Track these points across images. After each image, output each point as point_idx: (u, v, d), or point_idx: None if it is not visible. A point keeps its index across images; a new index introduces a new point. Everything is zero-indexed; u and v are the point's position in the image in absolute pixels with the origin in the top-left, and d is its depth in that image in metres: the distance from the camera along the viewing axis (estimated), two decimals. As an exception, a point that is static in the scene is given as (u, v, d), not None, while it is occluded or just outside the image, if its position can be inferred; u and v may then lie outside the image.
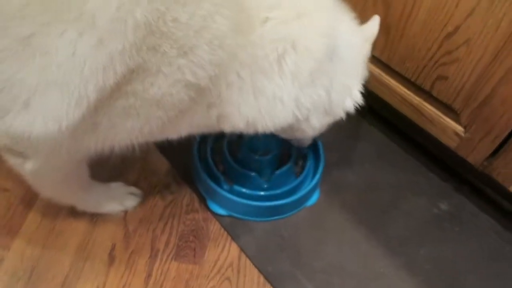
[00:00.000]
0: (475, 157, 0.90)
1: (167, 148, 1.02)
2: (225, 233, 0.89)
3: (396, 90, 1.00)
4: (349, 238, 0.90)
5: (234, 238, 0.88)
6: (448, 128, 0.92)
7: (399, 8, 0.89)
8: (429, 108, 0.95)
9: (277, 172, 0.92)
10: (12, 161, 0.65)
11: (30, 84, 0.48)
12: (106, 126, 0.56)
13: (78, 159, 0.68)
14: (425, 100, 0.95)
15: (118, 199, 0.89)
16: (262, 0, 0.59)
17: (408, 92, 0.98)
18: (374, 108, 1.19)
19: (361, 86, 0.77)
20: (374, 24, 0.79)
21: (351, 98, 0.75)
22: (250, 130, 0.69)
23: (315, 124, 0.75)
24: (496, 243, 0.92)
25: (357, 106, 0.78)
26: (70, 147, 0.58)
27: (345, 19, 0.72)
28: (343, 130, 1.11)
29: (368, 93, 1.08)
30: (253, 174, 0.91)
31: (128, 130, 0.57)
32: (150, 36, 0.48)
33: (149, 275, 0.81)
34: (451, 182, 1.04)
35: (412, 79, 0.94)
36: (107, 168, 0.97)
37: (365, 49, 0.76)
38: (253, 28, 0.57)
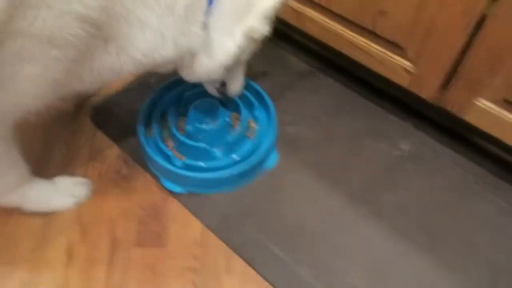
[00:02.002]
0: (427, 91, 0.88)
1: (115, 131, 0.98)
2: (186, 210, 0.86)
3: (343, 34, 0.95)
4: (311, 196, 0.88)
5: (195, 213, 0.85)
6: (398, 66, 0.89)
7: None
8: (376, 48, 0.91)
9: (229, 139, 0.88)
10: None
11: None
12: (4, 76, 0.52)
13: (1, 133, 0.64)
14: (371, 40, 0.91)
15: (67, 192, 0.84)
16: None
17: (354, 35, 0.93)
18: (326, 57, 1.15)
19: (246, 34, 0.72)
20: None
21: (233, 42, 0.72)
22: (146, 64, 0.67)
23: (202, 63, 0.73)
24: (459, 175, 0.92)
25: (238, 50, 0.74)
26: None
27: None
28: (296, 84, 1.09)
29: (316, 42, 1.05)
30: (203, 145, 0.87)
31: (29, 78, 0.54)
32: None
33: (112, 266, 0.78)
34: (411, 120, 1.02)
35: (355, 20, 0.90)
36: (51, 164, 0.92)
37: (263, 3, 0.71)
38: None
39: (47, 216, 0.84)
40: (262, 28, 0.72)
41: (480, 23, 0.72)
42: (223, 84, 0.88)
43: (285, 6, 0.97)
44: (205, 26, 0.68)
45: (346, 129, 1.00)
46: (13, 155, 0.71)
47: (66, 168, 0.92)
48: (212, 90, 0.91)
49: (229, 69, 0.77)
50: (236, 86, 0.89)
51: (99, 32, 0.57)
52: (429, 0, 0.75)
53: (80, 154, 0.95)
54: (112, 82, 0.73)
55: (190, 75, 0.78)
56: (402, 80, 0.90)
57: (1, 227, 0.82)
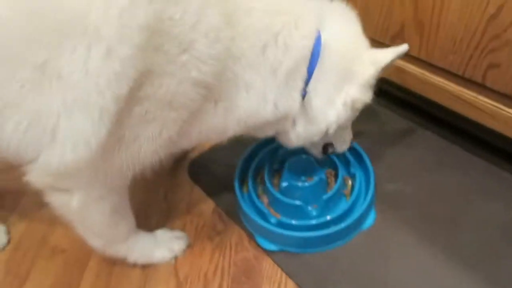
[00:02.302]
0: (551, 148, 0.78)
1: (211, 186, 1.01)
2: (279, 270, 0.84)
3: (444, 87, 0.91)
4: (414, 260, 0.80)
5: (289, 274, 0.82)
6: (513, 120, 0.81)
7: (429, 0, 0.81)
8: (485, 101, 0.84)
9: (324, 197, 0.85)
10: (59, 201, 0.67)
11: (53, 111, 0.51)
12: (130, 138, 0.58)
13: (118, 185, 0.69)
14: (479, 93, 0.85)
15: (166, 245, 0.87)
16: None
17: (458, 88, 0.88)
18: (425, 110, 1.09)
19: (346, 104, 0.72)
20: (392, 51, 0.73)
21: (334, 110, 0.71)
22: (249, 126, 0.69)
23: (299, 129, 0.73)
24: None
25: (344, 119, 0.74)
26: (105, 169, 0.61)
27: (342, 20, 0.71)
28: (394, 140, 1.04)
29: (414, 95, 1.00)
30: (298, 203, 0.85)
31: (150, 138, 0.59)
32: (153, 36, 0.50)
33: (205, 325, 0.78)
34: (529, 179, 0.90)
35: (460, 73, 0.85)
36: (152, 217, 0.97)
37: (365, 72, 0.71)
38: (240, 18, 0.59)
39: (146, 267, 0.87)
40: (364, 97, 0.72)
41: None
42: (325, 146, 0.87)
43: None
44: (304, 93, 0.69)
45: (451, 186, 0.92)
46: (127, 207, 0.77)
47: (165, 221, 0.95)
48: (315, 152, 0.90)
49: (331, 134, 0.76)
50: (343, 146, 0.88)
51: (210, 94, 0.60)
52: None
53: (178, 209, 0.98)
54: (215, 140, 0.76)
55: (288, 140, 0.78)
56: (520, 135, 0.82)
57: (107, 277, 0.87)
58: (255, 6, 0.60)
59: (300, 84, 0.67)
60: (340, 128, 0.76)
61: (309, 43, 0.65)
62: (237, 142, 1.10)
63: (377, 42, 0.96)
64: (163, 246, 0.87)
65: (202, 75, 0.56)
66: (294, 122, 0.73)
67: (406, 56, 0.94)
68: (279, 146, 0.97)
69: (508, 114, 0.81)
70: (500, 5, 0.71)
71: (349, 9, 0.72)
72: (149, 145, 0.60)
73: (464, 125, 1.02)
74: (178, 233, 0.90)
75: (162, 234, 0.89)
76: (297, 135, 0.75)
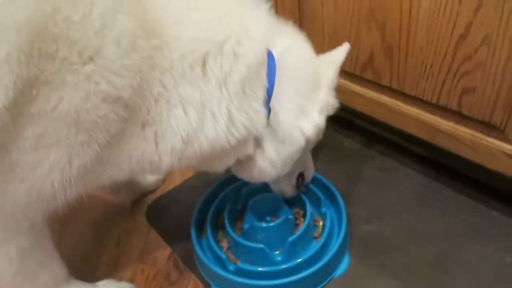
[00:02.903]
0: (540, 179, 0.69)
1: (169, 231, 0.91)
2: (238, 326, 0.71)
3: (420, 118, 0.84)
4: (396, 313, 0.68)
5: (249, 332, 0.70)
6: (495, 151, 0.73)
7: (395, 24, 0.77)
8: (464, 131, 0.77)
9: (290, 239, 0.75)
10: None
11: None
12: (27, 165, 0.48)
13: (26, 226, 0.58)
14: (457, 123, 0.78)
15: (108, 300, 0.75)
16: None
17: (435, 118, 0.81)
18: (405, 147, 1.02)
19: (322, 111, 0.67)
20: (341, 50, 0.72)
21: (309, 121, 0.65)
22: (191, 155, 0.58)
23: (270, 153, 0.65)
24: None
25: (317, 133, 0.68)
26: (6, 204, 0.51)
27: (292, 37, 0.67)
28: (372, 179, 0.96)
29: (392, 131, 0.93)
30: (261, 246, 0.74)
31: (56, 167, 0.49)
32: (41, 39, 0.42)
33: None
34: (522, 218, 0.81)
35: (433, 101, 0.79)
36: (100, 264, 0.85)
37: (327, 74, 0.68)
38: (164, 28, 0.51)
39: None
40: (333, 101, 0.68)
41: None
42: (298, 177, 0.79)
43: (351, 92, 0.90)
44: (268, 109, 0.61)
45: (436, 228, 0.82)
46: (47, 251, 0.65)
47: (113, 271, 0.84)
48: (287, 188, 0.80)
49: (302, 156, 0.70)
50: (311, 173, 0.82)
51: (134, 115, 0.51)
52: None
53: (130, 256, 0.87)
54: (167, 175, 0.66)
55: (255, 172, 0.68)
56: (505, 168, 0.73)
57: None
58: (183, 18, 0.53)
59: (261, 94, 0.59)
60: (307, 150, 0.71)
61: (263, 49, 0.58)
62: (204, 181, 1.03)
63: (347, 73, 0.91)
64: (104, 300, 0.75)
65: (115, 89, 0.47)
66: (260, 146, 0.64)
67: (379, 87, 0.89)
68: (243, 184, 0.88)
69: (489, 144, 0.73)
70: (468, 23, 0.66)
71: (295, 28, 0.68)
72: (57, 175, 0.50)
73: (446, 160, 0.94)
74: (124, 285, 0.79)
75: (104, 285, 0.77)
76: (270, 160, 0.66)
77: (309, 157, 0.80)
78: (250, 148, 0.64)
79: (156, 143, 0.55)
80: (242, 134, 0.59)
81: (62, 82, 0.44)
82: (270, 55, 0.60)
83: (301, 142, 0.65)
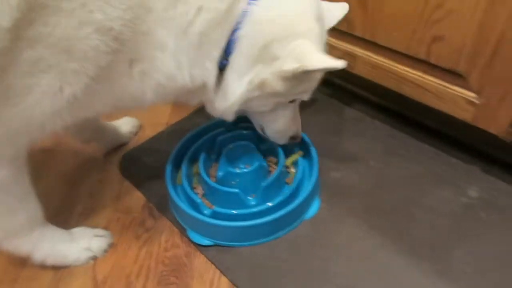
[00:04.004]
0: (497, 125, 0.74)
1: (143, 180, 0.91)
2: (212, 266, 0.74)
3: (390, 69, 0.86)
4: (362, 251, 0.73)
5: (223, 271, 0.73)
6: (459, 98, 0.77)
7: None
8: (431, 80, 0.80)
9: (263, 184, 0.77)
10: None
11: None
12: (21, 89, 0.50)
13: (8, 155, 0.58)
14: (425, 72, 0.81)
15: (83, 244, 0.76)
16: None
17: (404, 68, 0.84)
18: (372, 98, 1.05)
19: (253, 83, 0.63)
20: (324, 60, 0.59)
21: (240, 87, 0.63)
22: (169, 91, 0.61)
23: (217, 104, 0.67)
24: (550, 227, 0.74)
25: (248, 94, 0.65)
26: None
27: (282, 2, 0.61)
28: (341, 129, 0.99)
29: (360, 81, 0.95)
30: (236, 191, 0.76)
31: (48, 93, 0.51)
32: None
33: (121, 332, 0.66)
34: (478, 164, 0.86)
35: (404, 51, 0.81)
36: (73, 214, 0.85)
37: (286, 63, 0.60)
38: None
39: (59, 270, 0.75)
40: (276, 85, 0.62)
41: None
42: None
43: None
44: (222, 65, 0.61)
45: (400, 174, 0.86)
46: (26, 188, 0.64)
47: (88, 219, 0.84)
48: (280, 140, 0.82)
49: (245, 112, 0.71)
50: (272, 133, 0.79)
51: (123, 49, 0.53)
52: (495, 14, 0.64)
53: (104, 205, 0.87)
54: (138, 109, 0.67)
55: (212, 111, 0.71)
56: (465, 115, 0.77)
57: (10, 284, 0.74)
58: None
59: (215, 53, 0.60)
60: (263, 110, 0.71)
61: (224, 7, 0.56)
62: (174, 132, 1.03)
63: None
64: (78, 245, 0.76)
65: (109, 20, 0.49)
66: (215, 93, 0.65)
67: (352, 39, 0.90)
68: (218, 135, 0.89)
69: (453, 92, 0.77)
70: (440, -29, 0.67)
71: None
72: (48, 102, 0.52)
73: (411, 112, 0.98)
74: (99, 231, 0.79)
75: (79, 231, 0.78)
76: (215, 107, 0.67)
77: (273, 117, 0.76)
78: (210, 95, 0.66)
79: (142, 80, 0.58)
80: (197, 83, 0.62)
81: (58, 7, 0.46)
82: (247, 13, 0.58)
83: (229, 102, 0.65)
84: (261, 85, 0.63)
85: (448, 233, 0.74)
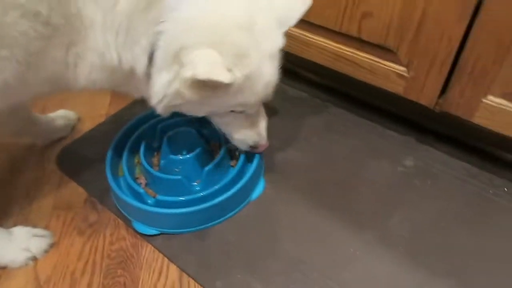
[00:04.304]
0: (426, 97, 0.78)
1: (83, 175, 0.88)
2: (160, 255, 0.73)
3: (325, 47, 0.87)
4: (307, 226, 0.75)
5: (172, 258, 0.72)
6: (390, 73, 0.80)
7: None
8: (364, 56, 0.83)
9: (206, 169, 0.77)
10: None
11: None
12: None
13: None
14: (357, 49, 0.83)
15: (21, 245, 0.73)
16: None
17: (338, 45, 0.86)
18: (311, 77, 1.07)
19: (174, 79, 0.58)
20: (211, 72, 0.53)
21: (161, 80, 0.59)
22: (105, 79, 0.61)
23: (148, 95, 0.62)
24: (476, 188, 0.79)
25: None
26: None
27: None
28: (282, 110, 1.00)
29: (299, 60, 0.97)
30: (178, 177, 0.75)
31: None
32: None
33: (69, 331, 0.64)
34: (412, 135, 0.91)
35: (337, 28, 0.82)
36: (10, 215, 0.81)
37: (185, 70, 0.54)
38: None
39: (-2, 273, 0.71)
40: (187, 93, 0.58)
41: (477, 7, 0.63)
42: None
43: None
44: (150, 54, 0.58)
45: (341, 150, 0.89)
46: None
47: (26, 220, 0.80)
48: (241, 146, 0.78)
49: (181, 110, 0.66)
50: (229, 138, 0.76)
51: (57, 34, 0.52)
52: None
53: (43, 203, 0.83)
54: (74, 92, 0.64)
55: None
56: (397, 88, 0.81)
57: None
58: None
59: (143, 41, 0.57)
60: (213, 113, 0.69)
61: None
62: (115, 124, 0.99)
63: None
64: (17, 245, 0.72)
65: (33, 4, 0.49)
66: (146, 85, 0.61)
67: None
68: (158, 122, 0.87)
69: (384, 67, 0.80)
70: None
71: None
72: None
73: (349, 89, 1.01)
74: (38, 231, 0.76)
75: (17, 231, 0.74)
76: (150, 101, 0.63)
77: (225, 120, 0.73)
78: (140, 84, 0.63)
79: (76, 64, 0.57)
80: (126, 67, 0.60)
81: None
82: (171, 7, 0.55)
83: (153, 95, 0.61)
84: (177, 93, 0.59)
85: (387, 202, 0.78)
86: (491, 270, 0.67)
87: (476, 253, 0.69)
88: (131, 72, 0.60)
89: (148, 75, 0.60)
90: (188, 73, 0.54)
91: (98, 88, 0.64)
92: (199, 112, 0.69)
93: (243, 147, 0.77)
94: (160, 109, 0.64)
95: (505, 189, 0.79)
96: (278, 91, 1.04)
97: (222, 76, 0.53)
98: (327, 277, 0.67)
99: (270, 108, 0.99)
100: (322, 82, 1.05)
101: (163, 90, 0.59)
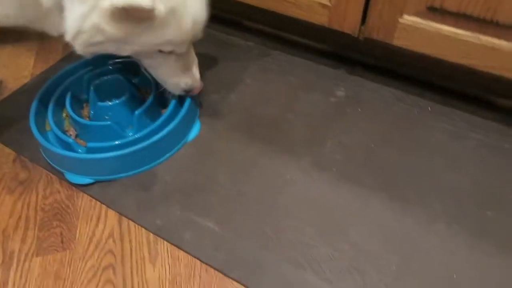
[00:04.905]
0: (349, 24, 0.79)
1: (8, 135, 0.83)
2: (97, 203, 0.72)
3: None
4: (244, 160, 0.76)
5: (109, 204, 0.71)
6: (314, 4, 0.81)
7: None
8: (287, -11, 0.83)
9: (137, 112, 0.75)
10: None
11: None
12: None
13: None
14: (281, -17, 0.83)
15: None
16: None
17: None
18: (239, 23, 1.06)
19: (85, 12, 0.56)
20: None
21: (72, 16, 0.56)
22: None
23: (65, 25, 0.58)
24: (403, 110, 0.83)
25: None
26: None
27: None
28: (215, 54, 0.99)
29: (230, 10, 0.96)
30: (108, 123, 0.73)
31: None
32: None
33: (4, 284, 0.62)
34: (343, 68, 0.93)
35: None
36: None
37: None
38: None
39: None
40: (109, 28, 0.56)
41: None
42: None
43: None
44: None
45: (275, 88, 0.90)
46: None
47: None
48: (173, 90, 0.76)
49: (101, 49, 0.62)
50: (161, 82, 0.74)
51: None
52: None
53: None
54: None
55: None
56: (322, 19, 0.82)
57: None
58: None
59: None
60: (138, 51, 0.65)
61: None
62: (41, 84, 0.94)
63: None
64: None
65: None
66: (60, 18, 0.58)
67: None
68: (84, 74, 0.84)
69: (308, -1, 0.81)
70: None
71: None
72: None
73: (280, 31, 1.01)
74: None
75: None
76: (66, 38, 0.59)
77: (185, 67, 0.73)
78: (51, 16, 0.60)
79: None
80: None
81: None
82: None
83: (67, 30, 0.58)
84: (96, 29, 0.56)
85: (320, 130, 0.80)
86: (416, 182, 0.71)
87: (403, 169, 0.73)
88: (40, 4, 0.57)
89: (60, 7, 0.57)
90: (106, 2, 0.51)
91: (12, 23, 0.60)
92: (124, 52, 0.65)
93: (176, 91, 0.76)
94: (79, 49, 0.61)
95: (429, 108, 0.83)
96: (210, 36, 1.04)
97: (144, 1, 0.51)
98: (265, 203, 0.69)
99: (205, 55, 0.99)
100: (253, 26, 1.05)
101: (77, 24, 0.56)
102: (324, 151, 0.76)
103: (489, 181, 0.71)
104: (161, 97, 0.81)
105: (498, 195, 0.69)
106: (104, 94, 0.79)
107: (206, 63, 0.96)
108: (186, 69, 0.73)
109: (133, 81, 0.84)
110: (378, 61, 0.92)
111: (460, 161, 0.74)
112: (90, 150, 0.72)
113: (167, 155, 0.76)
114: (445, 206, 0.67)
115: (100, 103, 0.76)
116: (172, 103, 0.78)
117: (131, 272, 0.63)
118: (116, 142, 0.71)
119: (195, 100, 0.81)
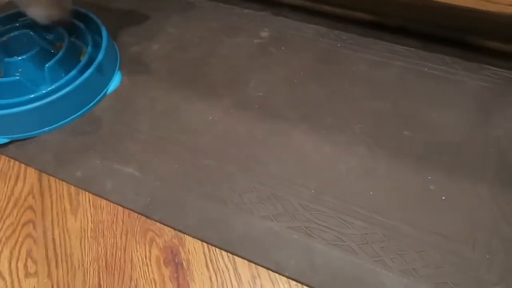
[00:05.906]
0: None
1: None
2: (16, 162, 0.69)
3: None
4: (166, 107, 0.74)
5: (27, 162, 0.69)
6: None
7: None
8: None
9: (47, 65, 0.72)
10: None
11: None
12: None
13: None
14: None
15: None
16: None
17: None
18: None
19: None
20: None
21: None
22: None
23: None
24: (326, 45, 0.83)
25: None
26: None
27: None
28: (135, 8, 0.95)
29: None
30: (17, 78, 0.70)
31: None
32: None
33: None
34: (268, 10, 0.92)
35: None
36: None
37: None
38: None
39: None
40: None
41: None
42: None
43: None
44: None
45: (198, 34, 0.88)
46: None
47: None
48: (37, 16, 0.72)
49: None
50: (27, 12, 0.70)
51: None
52: None
53: None
54: None
55: None
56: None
57: None
58: None
59: None
60: None
61: None
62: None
63: None
64: None
65: None
66: None
67: None
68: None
69: None
70: None
71: None
72: None
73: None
74: None
75: None
76: None
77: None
78: None
79: None
80: None
81: None
82: None
83: None
84: None
85: (244, 71, 0.79)
86: (337, 110, 0.72)
87: (325, 100, 0.74)
88: None
89: None
90: None
91: None
92: None
93: (42, 20, 0.72)
94: None
95: (351, 41, 0.84)
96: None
97: None
98: (185, 145, 0.68)
99: (123, 10, 0.95)
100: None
101: None
102: (247, 90, 0.76)
103: (408, 103, 0.72)
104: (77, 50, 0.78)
105: (416, 116, 0.70)
106: (13, 50, 0.75)
107: (127, 16, 0.93)
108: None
109: (47, 37, 0.80)
110: (303, 2, 0.90)
111: (382, 88, 0.75)
112: (0, 107, 0.68)
113: (85, 108, 0.73)
114: (365, 129, 0.69)
115: (7, 59, 0.72)
116: (86, 56, 0.75)
117: (52, 225, 0.62)
118: (28, 97, 0.68)
119: (111, 50, 0.79)
